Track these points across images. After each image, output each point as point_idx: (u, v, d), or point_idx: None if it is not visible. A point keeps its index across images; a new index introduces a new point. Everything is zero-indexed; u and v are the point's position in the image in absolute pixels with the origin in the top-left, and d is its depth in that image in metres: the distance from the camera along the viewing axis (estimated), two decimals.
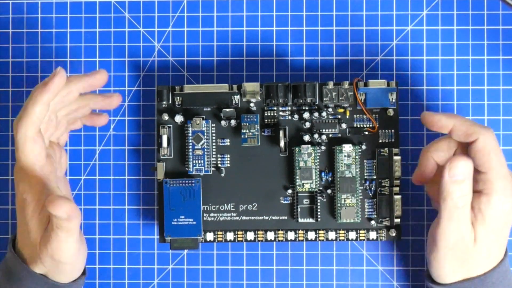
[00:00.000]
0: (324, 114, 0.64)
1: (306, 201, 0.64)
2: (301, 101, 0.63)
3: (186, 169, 0.64)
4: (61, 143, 0.63)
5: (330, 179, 0.64)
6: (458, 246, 0.57)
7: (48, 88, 0.56)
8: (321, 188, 0.64)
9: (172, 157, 0.65)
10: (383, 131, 0.64)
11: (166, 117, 0.64)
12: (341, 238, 0.64)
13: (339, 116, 0.64)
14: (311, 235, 0.64)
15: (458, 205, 0.56)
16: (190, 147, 0.64)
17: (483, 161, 0.56)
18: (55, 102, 0.58)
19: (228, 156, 0.65)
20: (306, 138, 0.64)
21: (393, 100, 0.63)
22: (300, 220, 0.64)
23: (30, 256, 0.58)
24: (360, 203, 0.63)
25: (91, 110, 0.63)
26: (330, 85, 0.63)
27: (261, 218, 0.64)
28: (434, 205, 0.62)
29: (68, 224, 0.55)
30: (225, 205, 0.65)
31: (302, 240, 0.64)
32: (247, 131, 0.63)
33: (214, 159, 0.64)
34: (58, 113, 0.61)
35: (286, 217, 0.64)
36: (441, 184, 0.56)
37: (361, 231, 0.64)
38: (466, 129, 0.57)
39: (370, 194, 0.64)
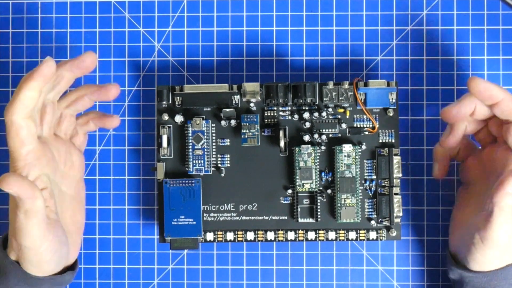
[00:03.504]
0: (324, 114, 0.64)
1: (306, 201, 0.64)
2: (301, 101, 0.63)
3: (186, 169, 0.64)
4: (76, 143, 0.63)
5: (330, 179, 0.64)
6: (506, 242, 0.57)
7: (36, 75, 0.54)
8: (321, 188, 0.64)
9: (172, 157, 0.65)
10: (383, 131, 0.64)
11: (166, 117, 0.64)
12: (341, 238, 0.64)
13: (339, 116, 0.64)
14: (311, 235, 0.64)
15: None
16: (190, 147, 0.64)
17: None
18: (46, 88, 0.57)
19: (228, 156, 0.65)
20: (306, 138, 0.64)
21: (393, 100, 0.63)
22: (300, 220, 0.64)
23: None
24: (360, 203, 0.63)
25: (92, 102, 0.62)
26: (330, 85, 0.63)
27: (261, 218, 0.64)
28: (464, 177, 0.63)
29: (26, 205, 0.54)
30: (225, 205, 0.64)
31: (302, 240, 0.64)
32: (247, 131, 0.63)
33: (214, 159, 0.64)
34: (58, 105, 0.60)
35: (286, 217, 0.64)
36: (502, 177, 0.55)
37: (361, 231, 0.64)
38: None
39: (370, 194, 0.64)
